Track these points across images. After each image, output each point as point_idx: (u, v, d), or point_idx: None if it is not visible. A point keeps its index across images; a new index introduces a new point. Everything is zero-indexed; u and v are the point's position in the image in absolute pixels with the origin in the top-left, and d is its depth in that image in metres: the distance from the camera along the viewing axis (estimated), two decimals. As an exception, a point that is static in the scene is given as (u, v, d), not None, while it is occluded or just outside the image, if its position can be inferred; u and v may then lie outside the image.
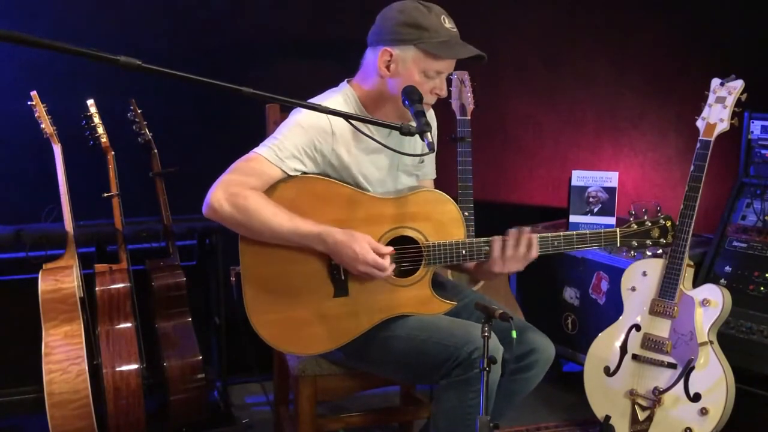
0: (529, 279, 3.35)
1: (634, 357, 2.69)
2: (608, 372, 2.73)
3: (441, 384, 2.08)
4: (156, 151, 2.87)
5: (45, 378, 2.43)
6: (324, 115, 2.05)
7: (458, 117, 2.94)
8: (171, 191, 2.89)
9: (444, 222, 2.16)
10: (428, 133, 1.95)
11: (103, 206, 2.73)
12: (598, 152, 3.85)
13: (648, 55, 3.79)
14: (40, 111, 2.63)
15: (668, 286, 2.63)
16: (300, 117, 2.10)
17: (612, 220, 3.23)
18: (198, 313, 2.93)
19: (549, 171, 3.81)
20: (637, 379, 2.67)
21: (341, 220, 2.10)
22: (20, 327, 2.80)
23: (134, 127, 2.85)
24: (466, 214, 2.53)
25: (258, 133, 2.35)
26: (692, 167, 2.60)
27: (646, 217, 2.25)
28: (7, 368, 2.99)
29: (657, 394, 2.61)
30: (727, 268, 2.94)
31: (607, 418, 2.73)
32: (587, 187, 3.27)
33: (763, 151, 3.02)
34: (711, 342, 2.57)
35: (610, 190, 3.25)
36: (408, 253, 2.16)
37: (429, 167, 2.42)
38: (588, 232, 2.20)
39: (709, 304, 2.58)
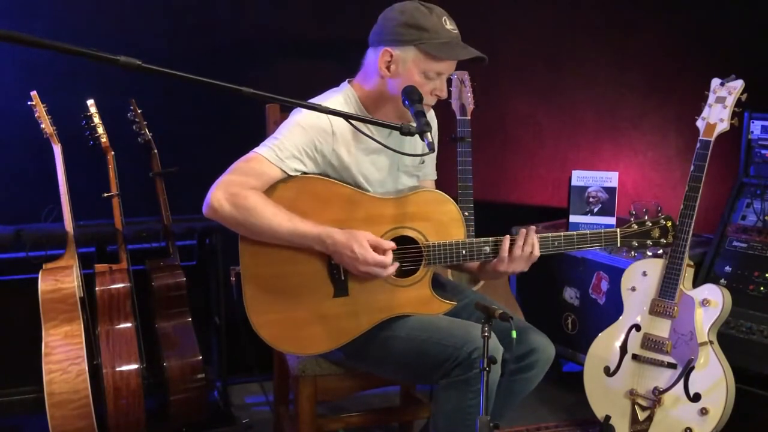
0: (529, 279, 3.34)
1: (634, 357, 2.69)
2: (608, 372, 2.73)
3: (441, 384, 2.08)
4: (156, 151, 2.88)
5: (45, 378, 2.44)
6: (324, 115, 2.05)
7: (458, 117, 2.94)
8: (171, 191, 2.90)
9: (444, 222, 2.16)
10: (428, 133, 1.95)
11: (103, 206, 2.73)
12: (598, 152, 3.85)
13: (648, 55, 3.79)
14: (40, 111, 2.63)
15: (668, 286, 2.63)
16: (300, 117, 2.10)
17: (612, 220, 3.23)
18: (198, 313, 2.93)
19: (549, 171, 3.81)
20: (637, 379, 2.68)
21: (341, 221, 2.10)
22: (20, 327, 2.80)
23: (134, 127, 2.86)
24: (466, 214, 2.53)
25: (258, 133, 2.35)
26: (692, 167, 2.60)
27: (646, 218, 2.25)
28: (7, 368, 2.99)
29: (657, 394, 2.61)
30: (727, 268, 2.94)
31: (607, 418, 2.73)
32: (587, 187, 3.27)
33: (763, 151, 3.02)
34: (711, 342, 2.57)
35: (610, 190, 3.25)
36: (408, 253, 2.16)
37: (429, 168, 2.42)
38: (588, 232, 2.20)
39: (709, 304, 2.58)
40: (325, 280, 2.12)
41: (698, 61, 3.75)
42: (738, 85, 2.58)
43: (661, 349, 2.63)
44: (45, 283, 2.51)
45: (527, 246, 2.14)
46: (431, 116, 2.30)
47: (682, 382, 2.57)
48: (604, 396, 2.75)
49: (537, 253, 2.15)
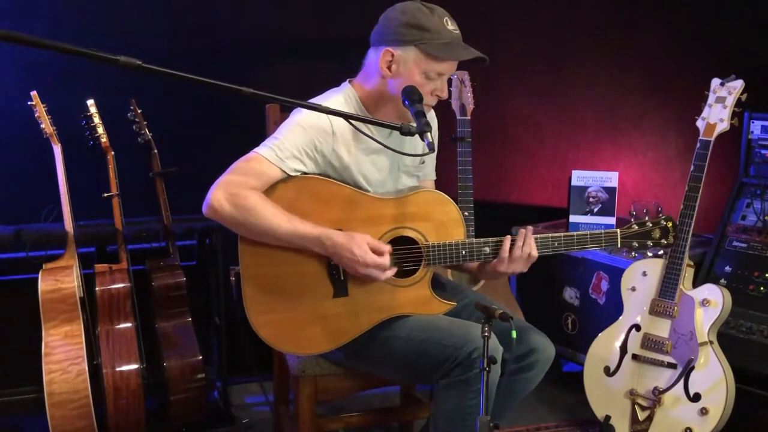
0: (529, 279, 3.33)
1: (634, 357, 2.69)
2: (608, 372, 2.73)
3: (441, 384, 2.08)
4: (156, 151, 2.88)
5: (45, 378, 2.44)
6: (324, 115, 2.05)
7: (458, 117, 2.94)
8: (171, 191, 2.90)
9: (444, 222, 2.16)
10: (428, 134, 1.95)
11: (103, 206, 2.73)
12: (598, 152, 3.85)
13: (648, 55, 3.79)
14: (40, 111, 2.63)
15: (668, 286, 2.63)
16: (300, 117, 2.10)
17: (612, 220, 3.23)
18: (198, 313, 2.93)
19: (549, 171, 3.81)
20: (637, 379, 2.68)
21: (341, 221, 2.10)
22: (20, 327, 2.80)
23: (134, 127, 2.86)
24: (466, 214, 2.54)
25: (258, 133, 2.35)
26: (692, 167, 2.60)
27: (647, 218, 2.25)
28: (7, 368, 2.99)
29: (657, 394, 2.61)
30: (727, 268, 2.94)
31: (607, 418, 2.73)
32: (587, 187, 3.27)
33: (763, 151, 3.02)
34: (711, 342, 2.57)
35: (610, 190, 3.25)
36: (408, 254, 2.16)
37: (430, 168, 2.42)
38: (588, 232, 2.20)
39: (709, 304, 2.58)
40: (324, 281, 2.12)
41: (698, 61, 3.75)
42: (738, 85, 2.58)
43: (661, 349, 2.63)
44: (45, 283, 2.51)
45: (526, 246, 2.14)
46: (431, 116, 2.30)
47: (682, 382, 2.57)
48: (604, 396, 2.75)
49: (535, 253, 2.15)
